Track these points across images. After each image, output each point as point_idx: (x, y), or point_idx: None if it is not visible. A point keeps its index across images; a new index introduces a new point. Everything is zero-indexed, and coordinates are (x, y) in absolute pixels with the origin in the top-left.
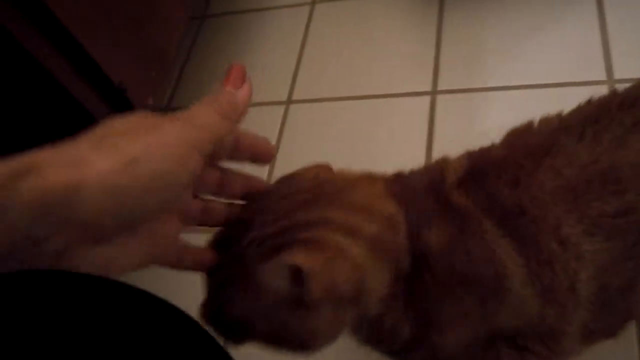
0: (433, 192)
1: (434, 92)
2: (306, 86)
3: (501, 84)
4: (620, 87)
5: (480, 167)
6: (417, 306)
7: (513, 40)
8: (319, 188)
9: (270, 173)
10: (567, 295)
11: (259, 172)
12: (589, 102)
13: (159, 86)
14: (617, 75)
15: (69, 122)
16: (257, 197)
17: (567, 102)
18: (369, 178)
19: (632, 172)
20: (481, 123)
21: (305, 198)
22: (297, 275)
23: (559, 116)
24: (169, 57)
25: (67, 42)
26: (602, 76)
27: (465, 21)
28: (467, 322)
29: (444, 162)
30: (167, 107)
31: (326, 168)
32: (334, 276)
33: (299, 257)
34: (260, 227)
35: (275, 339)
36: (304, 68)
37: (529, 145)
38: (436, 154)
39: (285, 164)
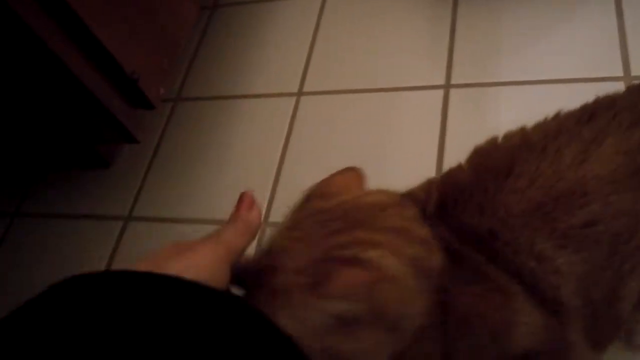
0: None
1: (447, 86)
2: (317, 78)
3: (516, 79)
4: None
5: (449, 196)
6: (441, 339)
7: (528, 34)
8: (354, 212)
9: (280, 164)
10: (558, 307)
11: (270, 162)
12: (555, 116)
13: (169, 76)
14: (635, 71)
15: (79, 111)
16: (290, 226)
17: (582, 98)
18: (400, 202)
19: (596, 184)
20: (495, 118)
21: (341, 225)
22: (351, 296)
23: (522, 131)
24: (180, 47)
25: (80, 31)
26: (619, 72)
27: (480, 15)
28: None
29: (411, 196)
30: (177, 97)
31: (358, 174)
32: (385, 297)
33: (353, 277)
34: (300, 255)
35: None
36: (316, 60)
37: (492, 167)
38: (449, 149)
39: (296, 157)
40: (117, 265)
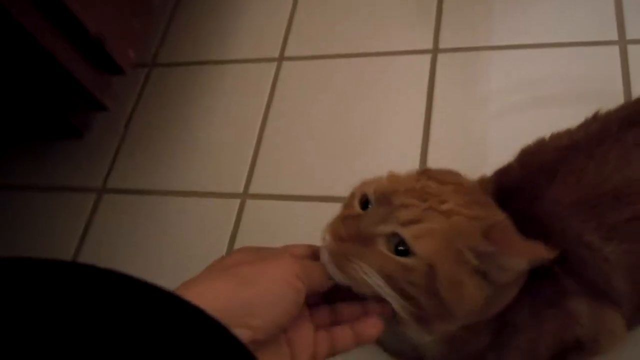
0: None
1: (435, 51)
2: (299, 43)
3: (507, 43)
4: (633, 48)
5: (502, 189)
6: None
7: None
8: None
9: (261, 132)
10: (610, 295)
11: (251, 131)
12: (595, 117)
13: (141, 39)
14: (630, 35)
15: (43, 77)
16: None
17: (575, 62)
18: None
19: (639, 185)
20: (485, 84)
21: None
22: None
23: (568, 133)
24: (151, 5)
25: None
26: (614, 36)
27: None
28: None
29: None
30: (152, 63)
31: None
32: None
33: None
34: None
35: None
36: (297, 24)
37: (542, 166)
38: (436, 115)
39: (277, 125)
40: (90, 239)
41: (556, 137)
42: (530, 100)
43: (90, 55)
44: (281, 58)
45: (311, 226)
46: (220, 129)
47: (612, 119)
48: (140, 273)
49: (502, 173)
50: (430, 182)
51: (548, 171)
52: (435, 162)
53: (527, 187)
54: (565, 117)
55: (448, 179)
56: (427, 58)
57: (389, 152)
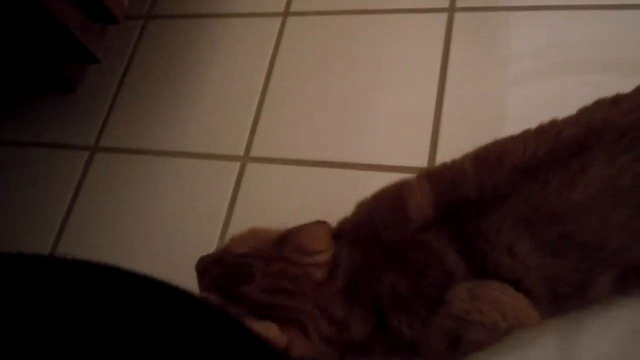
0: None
1: (451, 9)
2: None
3: (529, 3)
4: None
5: (460, 197)
6: None
7: None
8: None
9: (263, 91)
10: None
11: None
12: (553, 124)
13: None
14: None
15: (32, 24)
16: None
17: (602, 27)
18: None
19: (575, 208)
20: (504, 47)
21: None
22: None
23: (522, 148)
24: None
25: None
26: None
27: None
28: None
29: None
30: (148, 14)
31: (327, 228)
32: None
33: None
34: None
35: None
36: None
37: (496, 185)
38: (451, 79)
39: (280, 84)
40: (82, 199)
41: (511, 154)
42: (552, 66)
43: (81, 1)
44: (286, 13)
45: (313, 192)
46: (220, 87)
47: (564, 139)
48: (131, 237)
49: (458, 184)
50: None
51: (501, 193)
52: (448, 127)
53: (479, 202)
54: (590, 84)
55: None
56: (443, 17)
57: (399, 116)
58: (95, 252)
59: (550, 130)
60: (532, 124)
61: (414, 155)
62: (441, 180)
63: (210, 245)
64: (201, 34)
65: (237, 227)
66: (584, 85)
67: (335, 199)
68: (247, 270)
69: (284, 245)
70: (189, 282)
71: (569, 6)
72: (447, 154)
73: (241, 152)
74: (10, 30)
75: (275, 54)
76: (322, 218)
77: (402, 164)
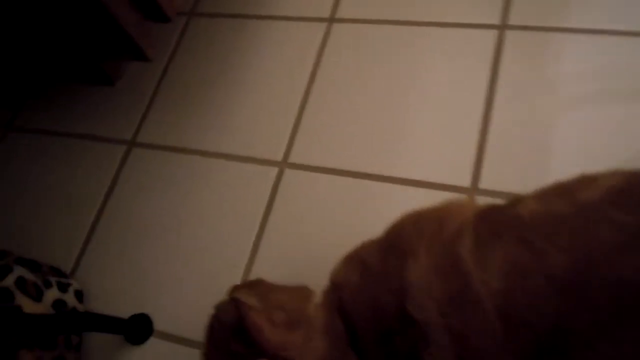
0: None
1: (503, 27)
2: (353, 4)
3: (584, 26)
4: None
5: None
6: None
7: None
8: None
9: (306, 95)
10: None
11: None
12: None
13: None
14: None
15: (85, 18)
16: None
17: None
18: None
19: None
20: (555, 67)
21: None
22: None
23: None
24: None
25: None
26: None
27: None
28: None
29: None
30: (191, 11)
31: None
32: None
33: None
34: None
35: None
36: None
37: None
38: (498, 99)
39: (323, 91)
40: (117, 193)
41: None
42: (603, 92)
43: (137, 0)
44: (332, 19)
45: (350, 203)
46: (261, 90)
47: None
48: (163, 234)
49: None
50: None
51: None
52: (494, 147)
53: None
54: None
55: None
56: (493, 34)
57: (444, 132)
58: (128, 244)
59: None
60: (579, 149)
61: (457, 173)
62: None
63: (243, 248)
64: (244, 34)
65: (272, 233)
66: (635, 115)
67: (371, 212)
68: None
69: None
70: (218, 280)
71: (626, 32)
72: (491, 174)
73: (279, 158)
74: (64, 25)
75: (319, 59)
76: (356, 231)
77: (444, 181)
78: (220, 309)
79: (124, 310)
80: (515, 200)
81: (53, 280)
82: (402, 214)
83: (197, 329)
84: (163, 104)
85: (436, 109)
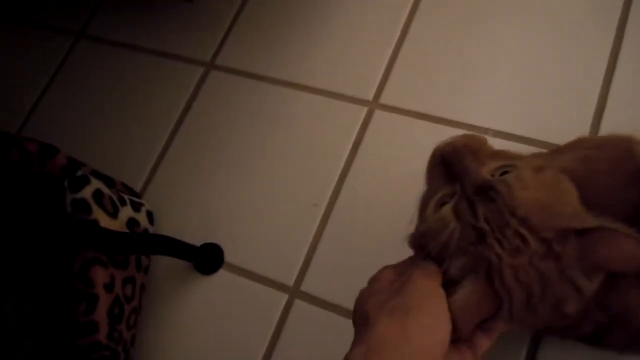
0: None
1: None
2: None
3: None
4: None
5: None
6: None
7: None
8: None
9: (402, 35)
10: None
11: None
12: None
13: None
14: None
15: None
16: None
17: None
18: None
19: None
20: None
21: None
22: None
23: None
24: None
25: None
26: None
27: None
28: None
29: None
30: None
31: None
32: None
33: None
34: None
35: None
36: None
37: None
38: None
39: (424, 27)
40: (192, 114)
41: None
42: None
43: None
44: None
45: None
46: (355, 19)
47: None
48: (238, 166)
49: None
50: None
51: None
52: (614, 107)
53: None
54: None
55: None
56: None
57: (557, 87)
58: (201, 167)
59: None
60: None
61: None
62: None
63: (324, 187)
64: None
65: (356, 176)
66: None
67: None
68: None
69: None
70: (296, 219)
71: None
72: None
73: (370, 97)
74: None
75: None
76: None
77: (534, 136)
78: None
79: (192, 238)
80: None
81: (126, 198)
82: None
83: (266, 264)
84: (246, 25)
85: (550, 60)
